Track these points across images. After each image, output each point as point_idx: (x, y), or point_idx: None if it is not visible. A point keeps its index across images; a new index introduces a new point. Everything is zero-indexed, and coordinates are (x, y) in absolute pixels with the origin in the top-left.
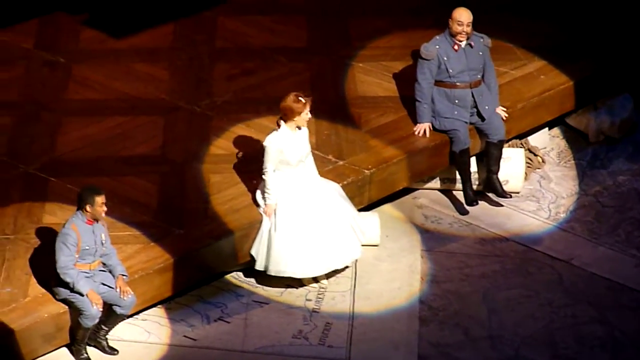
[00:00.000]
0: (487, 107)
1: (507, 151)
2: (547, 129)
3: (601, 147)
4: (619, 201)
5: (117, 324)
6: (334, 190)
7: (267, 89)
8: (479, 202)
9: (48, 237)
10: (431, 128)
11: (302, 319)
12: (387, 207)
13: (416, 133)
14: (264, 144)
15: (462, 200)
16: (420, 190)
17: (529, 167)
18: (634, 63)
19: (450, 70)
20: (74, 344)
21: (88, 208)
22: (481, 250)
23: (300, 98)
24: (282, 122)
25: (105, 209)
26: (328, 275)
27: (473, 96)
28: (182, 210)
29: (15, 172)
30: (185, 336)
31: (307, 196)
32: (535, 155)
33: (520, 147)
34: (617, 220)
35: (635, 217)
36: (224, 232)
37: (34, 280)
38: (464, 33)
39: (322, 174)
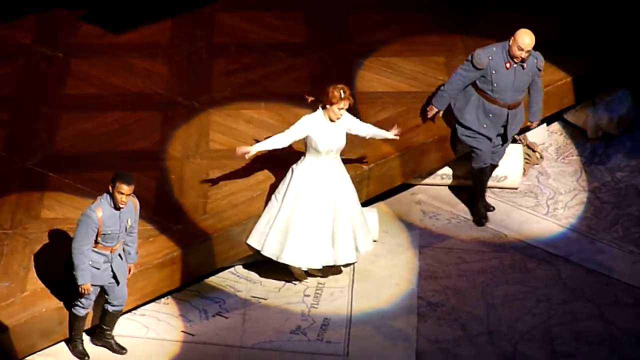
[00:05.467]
0: (513, 128)
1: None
2: (545, 124)
3: (600, 143)
4: (617, 197)
5: (116, 321)
6: (352, 194)
7: (266, 84)
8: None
9: (46, 232)
10: (440, 115)
11: (301, 315)
12: (385, 203)
13: (428, 114)
14: (301, 118)
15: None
16: (418, 186)
17: (527, 162)
18: (633, 59)
19: (495, 85)
20: (71, 338)
21: (110, 188)
22: (479, 246)
23: (341, 91)
24: (320, 108)
25: (124, 200)
26: (324, 274)
27: (507, 117)
28: (180, 205)
29: (14, 167)
30: (183, 331)
31: (323, 190)
32: (534, 151)
33: (519, 143)
34: (616, 216)
35: (634, 214)
36: (223, 228)
37: (31, 275)
38: (521, 58)
39: None
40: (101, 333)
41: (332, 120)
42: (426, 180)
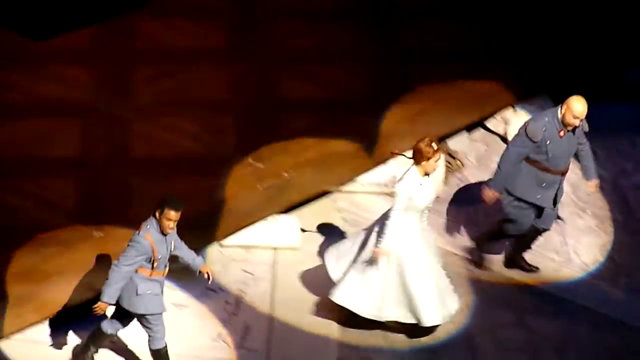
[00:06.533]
0: (561, 191)
1: None
2: (465, 131)
3: None
4: None
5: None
6: (436, 254)
7: (187, 91)
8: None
9: None
10: (499, 197)
11: (221, 322)
12: (306, 210)
13: (487, 200)
14: (395, 188)
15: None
16: (339, 194)
17: (448, 170)
18: (553, 66)
19: (550, 155)
20: (83, 346)
21: (157, 214)
22: None
23: (433, 144)
24: (413, 166)
25: (172, 226)
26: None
27: (559, 183)
28: (101, 213)
29: None
30: None
31: (418, 248)
32: (454, 158)
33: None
34: None
35: None
36: None
37: None
38: (575, 125)
39: (242, 177)
40: None
41: (427, 174)
42: (347, 188)
